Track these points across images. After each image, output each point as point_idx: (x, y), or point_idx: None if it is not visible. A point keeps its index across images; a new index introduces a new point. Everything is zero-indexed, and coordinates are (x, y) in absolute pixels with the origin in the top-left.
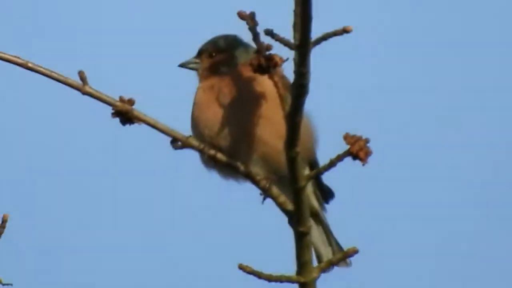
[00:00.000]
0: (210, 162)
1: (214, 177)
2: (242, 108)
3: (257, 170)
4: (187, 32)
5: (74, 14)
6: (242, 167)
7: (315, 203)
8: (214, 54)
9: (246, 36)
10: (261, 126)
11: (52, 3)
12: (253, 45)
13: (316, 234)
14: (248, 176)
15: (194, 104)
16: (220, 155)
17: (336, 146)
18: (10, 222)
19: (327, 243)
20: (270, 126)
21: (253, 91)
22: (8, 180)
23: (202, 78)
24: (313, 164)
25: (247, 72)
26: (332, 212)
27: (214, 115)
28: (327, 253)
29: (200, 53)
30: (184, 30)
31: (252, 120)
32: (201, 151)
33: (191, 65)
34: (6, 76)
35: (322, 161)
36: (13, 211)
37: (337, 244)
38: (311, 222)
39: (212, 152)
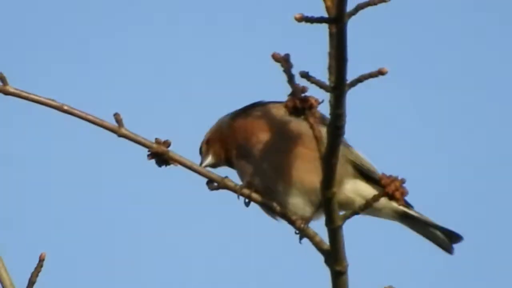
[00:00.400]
0: (246, 202)
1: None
2: (276, 150)
3: (294, 203)
4: (222, 75)
5: (110, 56)
6: (278, 207)
7: (396, 206)
8: (209, 142)
9: (280, 79)
10: (298, 166)
11: (89, 44)
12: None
13: (419, 229)
14: (284, 217)
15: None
16: (255, 195)
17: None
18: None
19: (432, 229)
20: (307, 165)
21: (287, 132)
22: (45, 221)
23: (224, 158)
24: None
25: (274, 115)
26: None
27: (245, 167)
28: (438, 236)
29: (200, 151)
30: (220, 73)
31: (288, 161)
32: (236, 192)
33: (206, 162)
34: (43, 119)
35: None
36: (50, 251)
37: (441, 227)
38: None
39: (247, 191)
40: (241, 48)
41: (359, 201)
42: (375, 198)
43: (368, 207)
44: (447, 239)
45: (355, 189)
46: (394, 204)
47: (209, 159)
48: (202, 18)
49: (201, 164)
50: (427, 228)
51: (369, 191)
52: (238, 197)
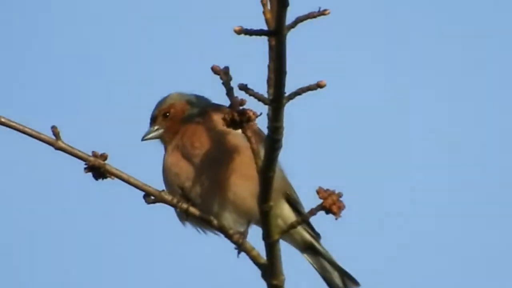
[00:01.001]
0: (184, 216)
1: (188, 230)
2: (213, 162)
3: (230, 222)
4: (160, 86)
5: (49, 67)
6: (215, 221)
7: (307, 236)
8: (167, 113)
9: (220, 91)
10: (233, 179)
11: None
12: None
13: (319, 265)
14: (222, 230)
15: (163, 168)
16: (193, 209)
17: (309, 200)
18: None
19: (331, 269)
20: (243, 180)
21: (226, 143)
22: None
23: (168, 138)
24: (292, 200)
25: (218, 123)
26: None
27: (183, 171)
28: (334, 278)
29: (154, 119)
30: (158, 84)
31: (224, 174)
32: (174, 206)
33: (152, 135)
34: None
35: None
36: None
37: (341, 268)
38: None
39: (184, 206)
40: (180, 58)
41: (281, 224)
42: (312, 212)
43: (304, 221)
44: (342, 283)
45: (280, 213)
46: (305, 234)
47: (157, 134)
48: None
49: (145, 135)
50: (326, 266)
51: (291, 216)
52: (176, 210)
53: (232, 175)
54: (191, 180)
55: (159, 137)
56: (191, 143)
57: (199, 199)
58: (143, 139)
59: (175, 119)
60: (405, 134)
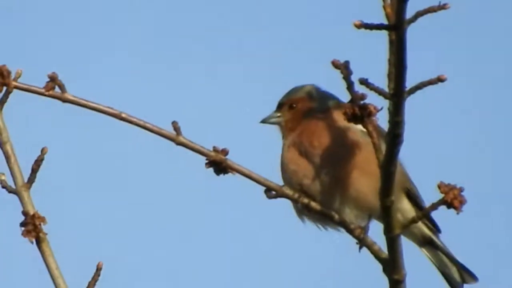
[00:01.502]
0: (304, 211)
1: (307, 227)
2: (333, 158)
3: (351, 217)
4: (280, 83)
5: (167, 67)
6: (336, 216)
7: (426, 231)
8: (294, 105)
9: (340, 85)
10: (355, 175)
11: (148, 57)
12: (335, 94)
13: (438, 259)
14: (343, 225)
15: (281, 164)
16: (314, 204)
17: (430, 194)
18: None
19: (449, 264)
20: (364, 175)
21: (346, 140)
22: (103, 231)
23: (286, 131)
24: (411, 195)
25: (338, 120)
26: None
27: (301, 168)
28: (452, 273)
29: (280, 106)
30: (278, 82)
31: (345, 170)
32: (295, 200)
33: (272, 120)
34: (101, 127)
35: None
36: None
37: (459, 263)
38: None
39: (306, 200)
40: (300, 54)
41: (400, 219)
42: (434, 206)
43: (424, 215)
44: (460, 278)
45: (400, 207)
46: (425, 229)
47: (277, 120)
48: (261, 26)
49: (266, 118)
50: (445, 261)
51: (411, 211)
52: (296, 205)
53: (353, 170)
54: (309, 177)
55: (279, 123)
56: (310, 142)
57: (318, 195)
58: (262, 121)
59: (298, 113)
60: None
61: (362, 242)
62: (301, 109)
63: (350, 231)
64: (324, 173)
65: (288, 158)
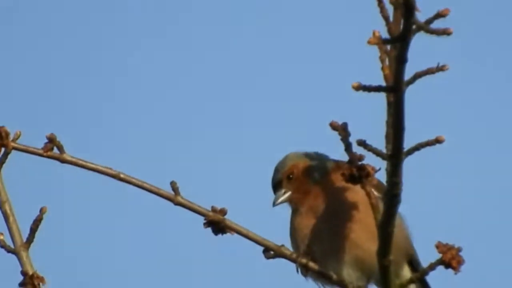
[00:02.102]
0: (303, 270)
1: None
2: (336, 214)
3: (350, 272)
4: (276, 143)
5: (164, 127)
6: (334, 276)
7: None
8: (291, 176)
9: (338, 147)
10: (354, 230)
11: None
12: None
13: None
14: (341, 285)
15: (293, 229)
16: (312, 264)
17: (428, 254)
18: None
19: None
20: (364, 230)
21: (346, 199)
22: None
23: (296, 201)
24: (413, 261)
25: (338, 182)
26: None
27: (308, 224)
28: None
29: (279, 185)
30: (274, 141)
31: (345, 225)
32: (293, 261)
33: (282, 198)
34: (100, 186)
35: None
36: None
37: None
38: None
39: (304, 260)
40: (298, 115)
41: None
42: (432, 266)
43: (424, 275)
44: None
45: (400, 273)
46: None
47: (287, 197)
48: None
49: (276, 200)
50: None
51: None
52: (296, 267)
53: (352, 225)
54: (313, 235)
55: (289, 200)
56: (317, 201)
57: (319, 249)
58: (274, 205)
59: (300, 179)
60: None
61: None
62: (300, 174)
63: None
64: (325, 231)
65: (303, 224)
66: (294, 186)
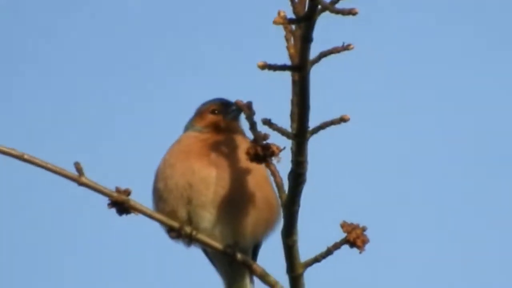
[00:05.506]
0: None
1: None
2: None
3: (221, 230)
4: (181, 123)
5: (72, 104)
6: (239, 255)
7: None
8: (216, 112)
9: (243, 126)
10: (252, 212)
11: (54, 95)
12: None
13: None
14: (245, 264)
15: (179, 149)
16: (199, 235)
17: (334, 234)
18: None
19: None
20: (262, 211)
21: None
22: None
23: (215, 128)
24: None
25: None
26: None
27: (205, 172)
28: None
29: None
30: (178, 121)
31: (241, 189)
32: (177, 231)
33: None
34: (3, 168)
35: (320, 248)
36: None
37: None
38: None
39: (188, 230)
40: (204, 94)
41: None
42: (337, 245)
43: (329, 254)
44: None
45: None
46: None
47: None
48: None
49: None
50: None
51: None
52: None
53: (252, 208)
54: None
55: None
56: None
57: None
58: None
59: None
60: (430, 166)
61: (264, 279)
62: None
63: (252, 270)
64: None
65: (194, 148)
66: (218, 118)
